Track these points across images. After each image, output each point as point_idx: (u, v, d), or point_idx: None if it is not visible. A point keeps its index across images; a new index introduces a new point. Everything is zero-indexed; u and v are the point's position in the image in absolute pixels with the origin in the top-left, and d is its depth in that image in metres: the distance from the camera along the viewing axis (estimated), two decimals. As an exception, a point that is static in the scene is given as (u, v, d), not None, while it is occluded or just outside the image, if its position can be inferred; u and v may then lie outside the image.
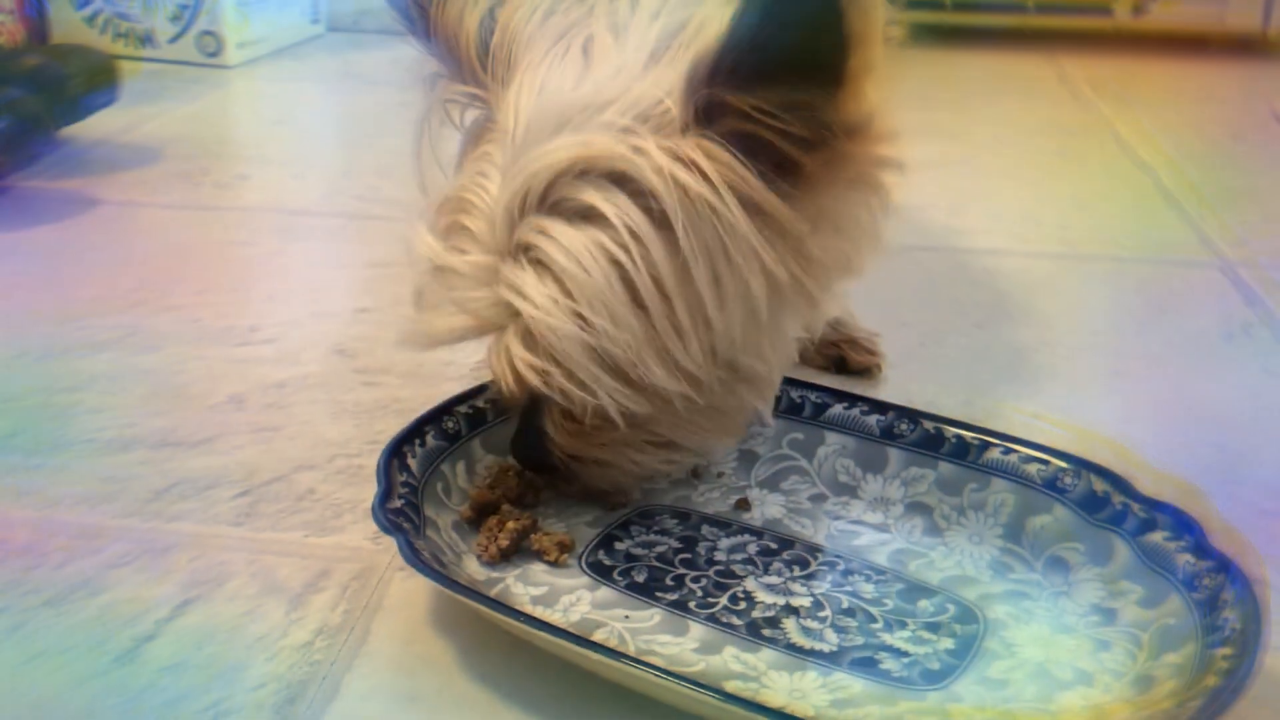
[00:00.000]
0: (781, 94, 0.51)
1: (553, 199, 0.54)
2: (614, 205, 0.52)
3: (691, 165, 0.52)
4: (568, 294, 0.52)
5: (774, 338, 0.58)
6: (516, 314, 0.54)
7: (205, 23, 1.72)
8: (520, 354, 0.54)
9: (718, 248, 0.53)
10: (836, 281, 0.62)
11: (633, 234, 0.52)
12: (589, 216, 0.53)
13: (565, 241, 0.52)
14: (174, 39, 1.73)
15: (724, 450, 0.68)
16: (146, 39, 1.74)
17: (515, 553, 0.60)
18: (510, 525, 0.60)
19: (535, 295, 0.53)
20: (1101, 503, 0.61)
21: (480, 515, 0.62)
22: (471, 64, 0.59)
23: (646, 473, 0.63)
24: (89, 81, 1.28)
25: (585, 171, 0.53)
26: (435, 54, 0.62)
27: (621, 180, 0.53)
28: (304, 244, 1.08)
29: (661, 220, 0.52)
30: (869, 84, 0.52)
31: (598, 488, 0.64)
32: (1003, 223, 1.18)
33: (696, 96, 0.53)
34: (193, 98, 1.58)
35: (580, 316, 0.52)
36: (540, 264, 0.53)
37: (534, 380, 0.55)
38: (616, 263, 0.52)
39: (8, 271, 1.00)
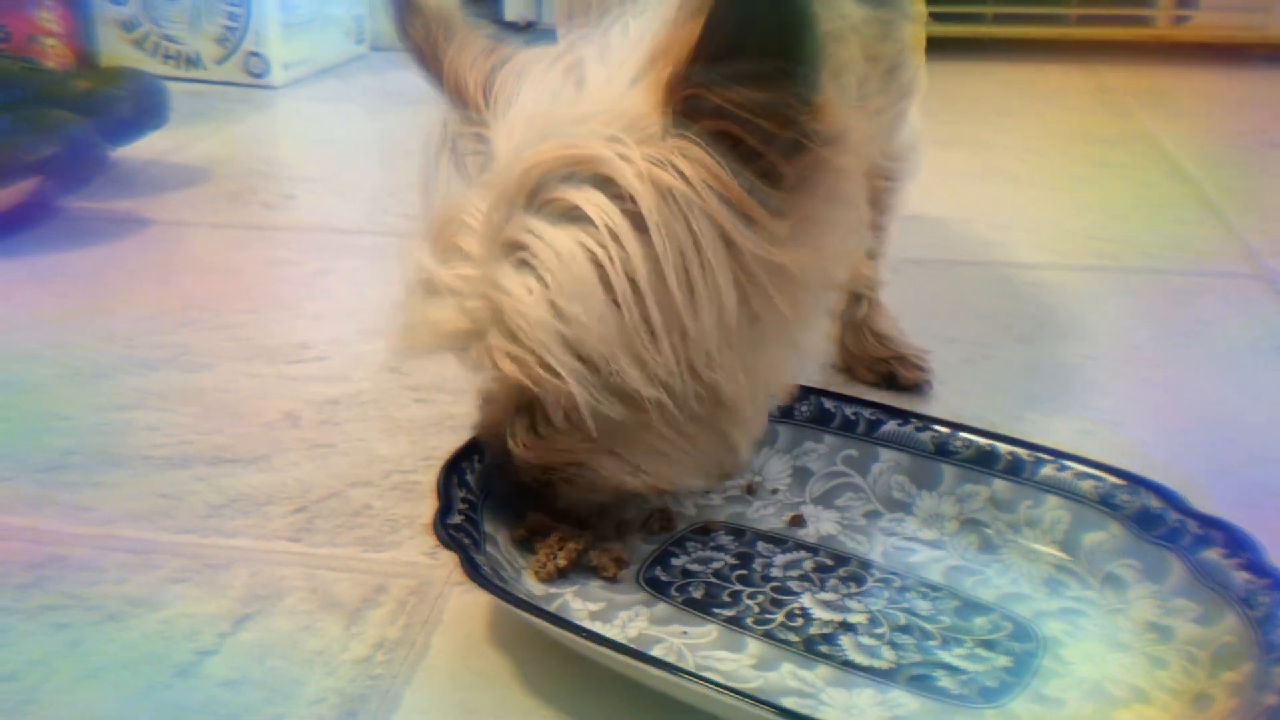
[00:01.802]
0: (758, 94, 0.52)
1: (538, 201, 0.55)
2: (595, 206, 0.53)
3: (669, 167, 0.53)
4: (545, 286, 0.54)
5: (750, 362, 0.58)
6: (498, 314, 0.55)
7: (251, 44, 1.74)
8: (499, 344, 0.55)
9: (691, 250, 0.54)
10: (816, 305, 0.62)
11: (612, 234, 0.53)
12: (572, 216, 0.54)
13: (548, 239, 0.54)
14: (221, 60, 1.76)
15: (694, 486, 0.65)
16: (194, 61, 1.77)
17: (572, 570, 0.61)
18: (570, 545, 0.61)
19: (514, 288, 0.54)
20: (1157, 519, 0.60)
21: (533, 535, 0.62)
22: (473, 100, 0.61)
23: (618, 485, 0.61)
24: (138, 104, 1.30)
25: (570, 175, 0.54)
26: (446, 97, 0.64)
27: (604, 183, 0.54)
28: (351, 262, 1.09)
29: (640, 222, 0.53)
30: (840, 89, 0.54)
31: (578, 508, 0.63)
32: (1045, 235, 1.18)
33: (675, 95, 0.53)
34: (239, 118, 1.60)
35: (555, 307, 0.53)
36: (523, 262, 0.54)
37: (511, 369, 0.55)
38: (595, 261, 0.53)
39: (61, 292, 1.01)
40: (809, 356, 0.65)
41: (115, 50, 1.78)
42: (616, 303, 0.53)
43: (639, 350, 0.54)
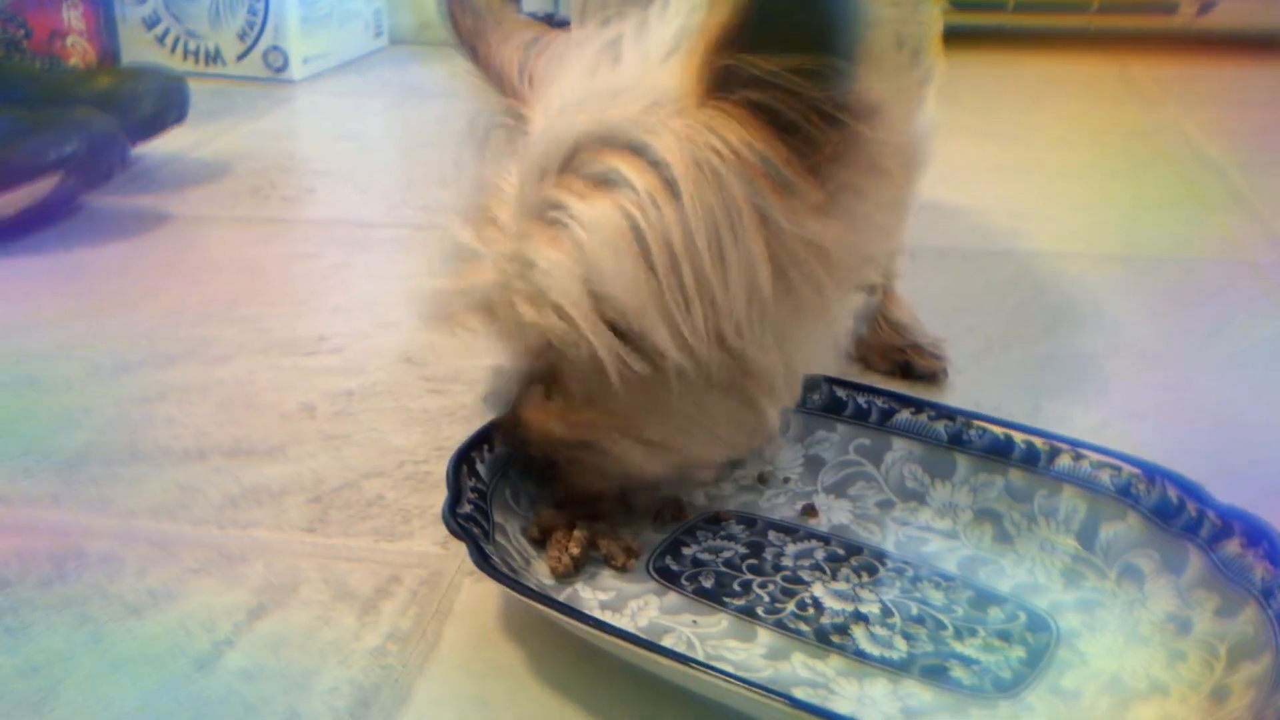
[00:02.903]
0: (797, 65, 0.52)
1: (571, 166, 0.55)
2: (630, 170, 0.53)
3: (704, 135, 0.53)
4: (576, 244, 0.54)
5: (781, 332, 0.57)
6: (527, 271, 0.55)
7: (271, 39, 1.75)
8: (529, 300, 0.55)
9: (724, 219, 0.53)
10: (851, 282, 0.61)
11: (647, 197, 0.53)
12: (605, 180, 0.54)
13: (580, 203, 0.54)
14: (241, 56, 1.77)
15: (722, 462, 0.65)
16: (214, 56, 1.78)
17: (586, 561, 0.61)
18: (577, 534, 0.61)
19: (544, 246, 0.54)
20: (1175, 510, 0.60)
21: (545, 535, 0.62)
22: (513, 84, 0.62)
23: (631, 466, 0.61)
24: (160, 100, 1.30)
25: (604, 142, 0.54)
26: (484, 78, 0.64)
27: (639, 150, 0.54)
28: (370, 255, 1.10)
29: (674, 189, 0.53)
30: (880, 66, 0.53)
31: (584, 481, 0.62)
32: (1068, 225, 1.17)
33: (712, 65, 0.53)
34: (260, 113, 1.61)
35: (585, 264, 0.53)
36: (556, 222, 0.54)
37: (534, 316, 0.55)
38: (628, 223, 0.53)
39: (83, 287, 1.02)
40: (844, 332, 0.64)
41: (136, 47, 1.79)
42: (650, 265, 0.53)
43: (669, 313, 0.54)
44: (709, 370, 0.56)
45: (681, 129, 0.53)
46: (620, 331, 0.54)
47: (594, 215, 0.53)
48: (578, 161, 0.55)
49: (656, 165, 0.54)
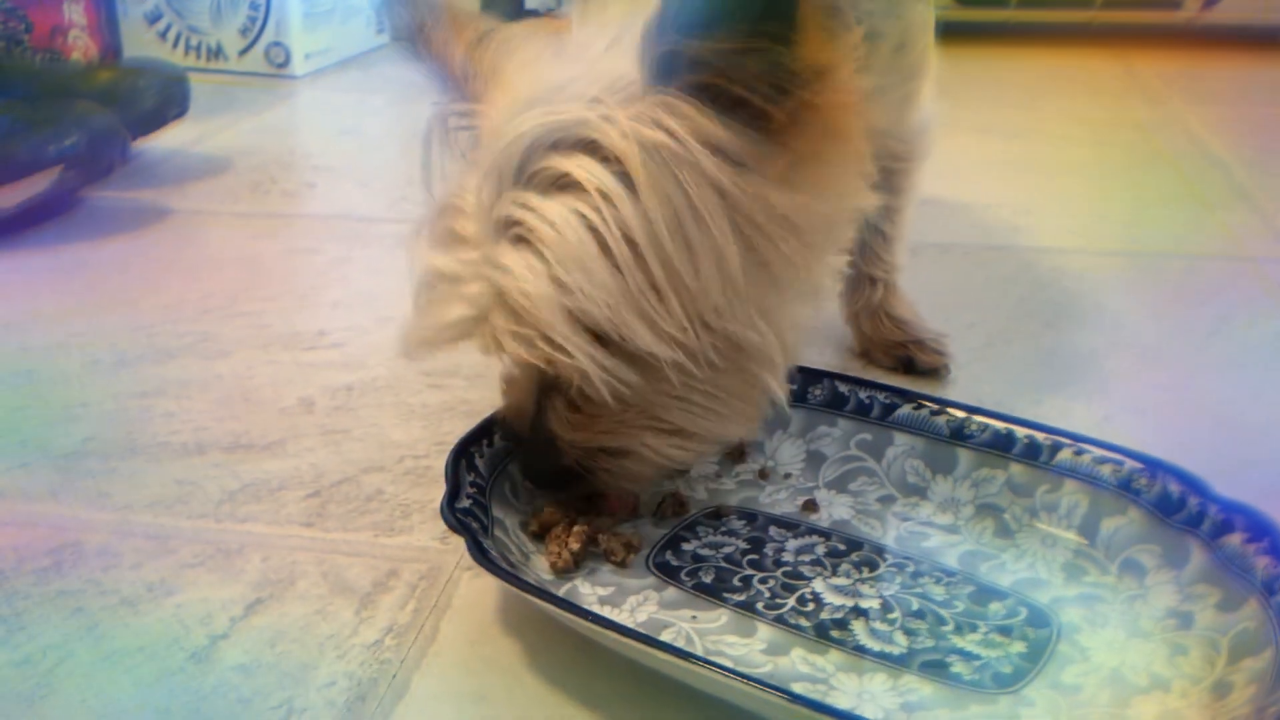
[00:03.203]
0: (736, 40, 0.51)
1: (526, 173, 0.54)
2: (584, 171, 0.53)
3: (652, 123, 0.53)
4: (543, 259, 0.53)
5: (764, 306, 0.57)
6: (500, 295, 0.54)
7: (273, 34, 1.75)
8: (502, 324, 0.54)
9: (684, 204, 0.53)
10: (824, 247, 0.61)
11: (603, 197, 0.52)
12: (561, 185, 0.54)
13: (540, 211, 0.53)
14: (243, 51, 1.77)
15: (741, 436, 0.65)
16: (217, 51, 1.78)
17: (586, 556, 0.60)
18: (577, 529, 0.60)
19: (512, 265, 0.53)
20: (1177, 504, 0.59)
21: (545, 531, 0.62)
22: (462, 84, 0.61)
23: (662, 461, 0.61)
24: (161, 95, 1.30)
25: (555, 142, 0.54)
26: (431, 75, 0.63)
27: (590, 147, 0.53)
28: (369, 251, 1.09)
29: (629, 182, 0.53)
30: (825, 29, 0.52)
31: (618, 486, 0.62)
32: (1070, 221, 1.16)
33: (653, 52, 0.53)
34: (261, 108, 1.61)
35: (555, 280, 0.53)
36: (519, 238, 0.54)
37: (516, 349, 0.54)
38: (590, 227, 0.53)
39: (83, 282, 1.02)
40: (824, 297, 0.63)
41: (138, 42, 1.79)
42: (617, 267, 0.53)
43: (647, 312, 0.53)
44: (704, 354, 0.55)
45: (628, 120, 0.53)
46: (603, 340, 0.54)
47: (554, 225, 0.53)
48: (530, 167, 0.54)
49: (608, 161, 0.53)
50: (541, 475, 0.62)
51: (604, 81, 0.54)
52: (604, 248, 0.53)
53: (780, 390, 0.60)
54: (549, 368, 0.55)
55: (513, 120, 0.55)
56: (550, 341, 0.53)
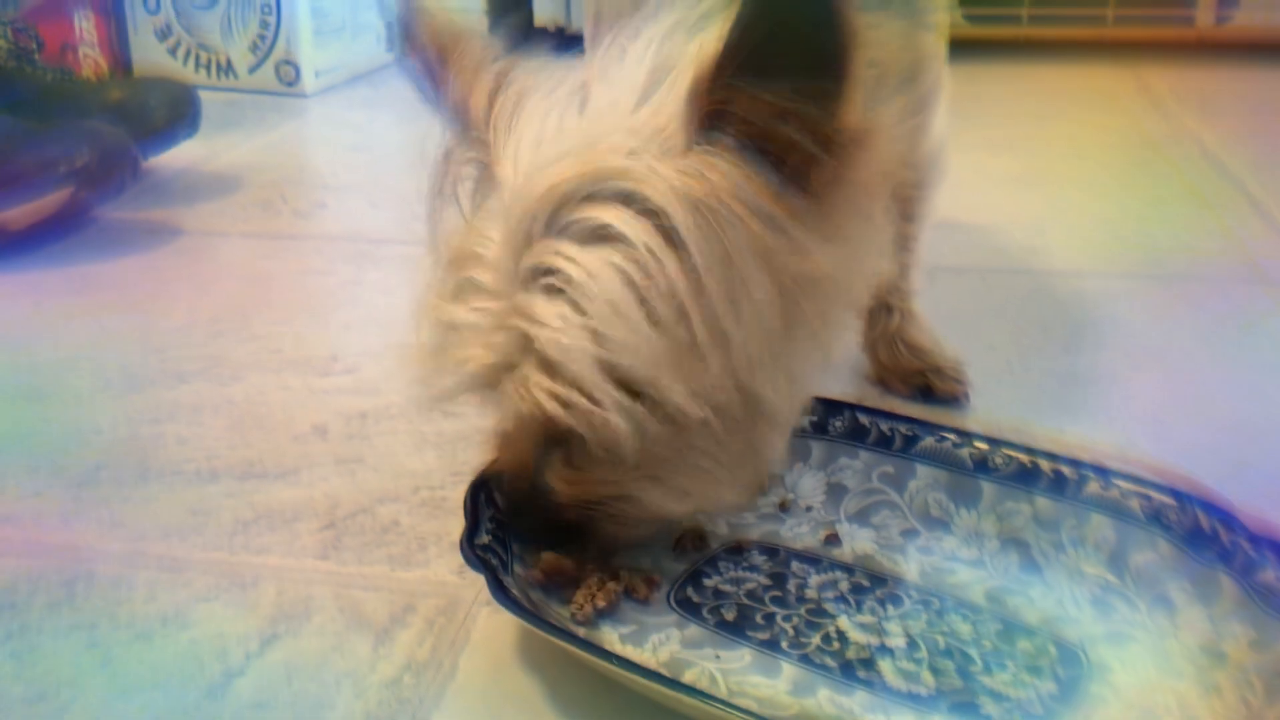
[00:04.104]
0: (783, 97, 0.50)
1: (560, 223, 0.52)
2: (624, 223, 0.51)
3: (699, 178, 0.52)
4: (581, 312, 0.51)
5: (789, 367, 0.56)
6: (530, 345, 0.52)
7: (283, 51, 1.75)
8: (536, 378, 0.52)
9: (727, 262, 0.52)
10: (853, 303, 0.61)
11: (647, 250, 0.51)
12: (600, 236, 0.52)
13: (579, 262, 0.52)
14: (253, 68, 1.77)
15: (735, 502, 0.63)
16: (227, 68, 1.78)
17: (611, 612, 0.59)
18: (610, 586, 0.59)
19: (548, 317, 0.51)
20: (1208, 539, 0.58)
21: (549, 580, 0.60)
22: (477, 127, 0.59)
23: (663, 513, 0.59)
24: (172, 112, 1.30)
25: (591, 194, 0.52)
26: (447, 120, 0.61)
27: (629, 199, 0.52)
28: (381, 272, 1.09)
29: (671, 237, 0.52)
30: (864, 92, 0.52)
31: (615, 542, 0.60)
32: (1086, 242, 1.15)
33: (699, 106, 0.52)
34: (271, 126, 1.61)
35: (594, 333, 0.51)
36: (553, 288, 0.52)
37: (553, 408, 0.52)
38: (630, 280, 0.51)
39: (94, 301, 1.01)
40: (834, 363, 0.63)
41: (149, 58, 1.79)
42: (657, 322, 0.51)
43: (685, 370, 0.52)
44: (726, 415, 0.55)
45: (672, 174, 0.52)
46: (635, 393, 0.52)
47: (594, 277, 0.51)
48: (565, 218, 0.52)
49: (651, 214, 0.52)
50: (538, 531, 0.60)
51: (641, 134, 0.53)
52: (644, 303, 0.51)
53: (781, 455, 0.60)
54: (574, 422, 0.53)
55: (543, 169, 0.53)
56: (588, 395, 0.52)
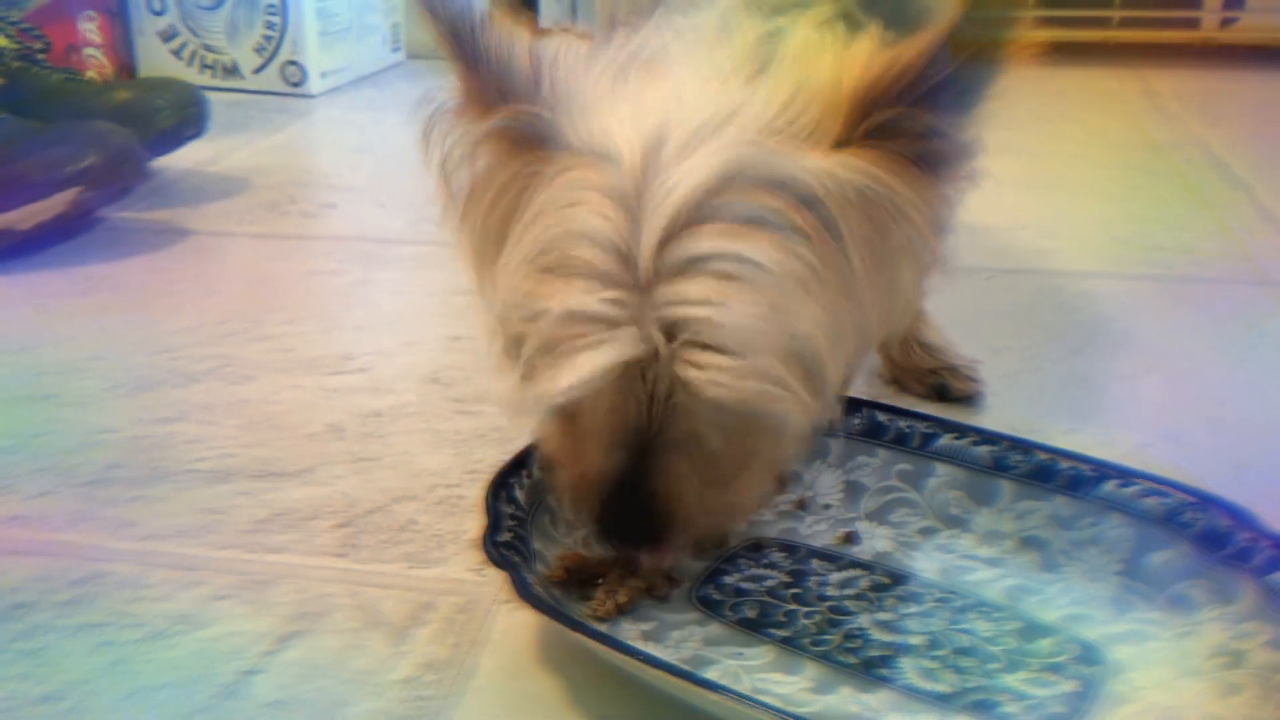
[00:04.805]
0: (938, 116, 0.52)
1: (710, 209, 0.50)
2: (782, 210, 0.51)
3: (855, 173, 0.52)
4: (755, 293, 0.50)
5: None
6: (676, 335, 0.50)
7: (289, 53, 1.75)
8: (708, 361, 0.50)
9: (874, 254, 0.53)
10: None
11: (805, 236, 0.51)
12: (758, 221, 0.51)
13: (744, 246, 0.50)
14: (259, 69, 1.77)
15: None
16: (232, 70, 1.78)
17: (632, 609, 0.59)
18: (632, 583, 0.59)
19: (713, 300, 0.49)
20: (1225, 538, 0.58)
21: (570, 576, 0.60)
22: (529, 88, 0.55)
23: (752, 503, 0.60)
24: (178, 114, 1.30)
25: (742, 180, 0.51)
26: (482, 79, 0.56)
27: (781, 186, 0.51)
28: (391, 272, 1.09)
29: (832, 229, 0.52)
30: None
31: (708, 539, 0.60)
32: (1093, 244, 1.15)
33: (861, 117, 0.52)
34: (277, 127, 1.61)
35: (772, 312, 0.50)
36: (717, 272, 0.50)
37: (723, 392, 0.50)
38: (798, 264, 0.51)
39: (103, 303, 1.01)
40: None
41: (154, 60, 1.79)
42: (823, 307, 0.52)
43: (836, 352, 0.53)
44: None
45: (830, 167, 0.52)
46: (803, 374, 0.52)
47: (762, 260, 0.50)
48: (718, 204, 0.50)
49: (808, 203, 0.52)
50: (637, 536, 0.56)
51: (764, 120, 0.52)
52: (810, 286, 0.51)
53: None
54: (738, 403, 0.50)
55: (680, 153, 0.51)
56: (765, 376, 0.50)
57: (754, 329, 0.50)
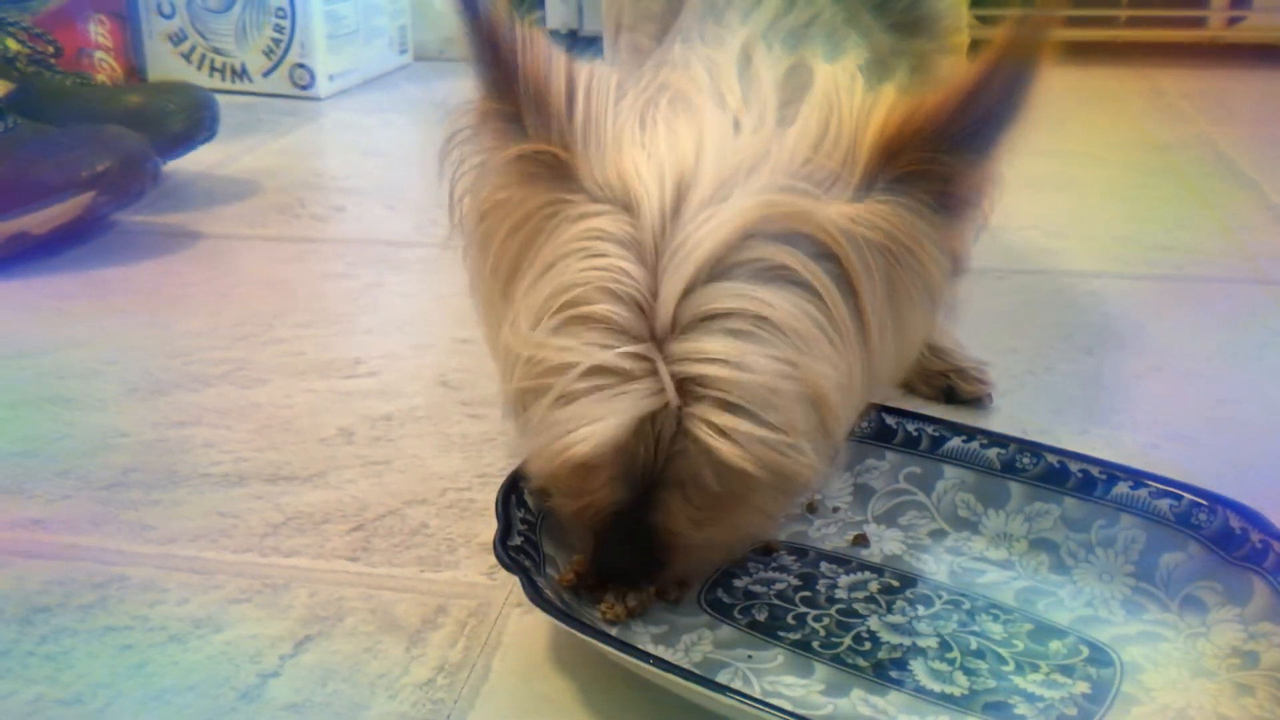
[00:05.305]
0: (966, 160, 0.53)
1: (729, 265, 0.51)
2: (801, 266, 0.51)
3: (877, 227, 0.53)
4: (774, 350, 0.50)
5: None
6: (692, 390, 0.50)
7: (297, 55, 1.75)
8: (723, 423, 0.50)
9: (896, 307, 0.54)
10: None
11: (823, 291, 0.51)
12: (777, 277, 0.51)
13: (764, 302, 0.50)
14: (268, 72, 1.77)
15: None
16: (240, 73, 1.78)
17: (642, 613, 0.59)
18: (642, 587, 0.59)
19: (730, 357, 0.50)
20: (1238, 539, 0.58)
21: (581, 580, 0.59)
22: (559, 120, 0.54)
23: (754, 537, 0.61)
24: (189, 117, 1.31)
25: (759, 236, 0.51)
26: (515, 101, 0.55)
27: (801, 241, 0.52)
28: (401, 275, 1.09)
29: (845, 280, 0.52)
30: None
31: (701, 568, 0.60)
32: (1102, 244, 1.15)
33: (888, 163, 0.53)
34: (286, 130, 1.61)
35: (790, 372, 0.50)
36: (735, 331, 0.50)
37: (735, 454, 0.50)
38: (817, 322, 0.51)
39: (116, 307, 1.02)
40: None
41: (163, 63, 1.80)
42: (840, 362, 0.52)
43: (848, 404, 0.53)
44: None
45: (851, 219, 0.52)
46: (823, 429, 0.53)
47: (783, 317, 0.50)
48: (739, 258, 0.50)
49: (828, 258, 0.52)
50: (638, 568, 0.57)
51: (790, 169, 0.52)
52: (830, 342, 0.51)
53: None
54: (746, 462, 0.50)
55: (702, 211, 0.51)
56: (778, 439, 0.50)
57: (769, 388, 0.50)
